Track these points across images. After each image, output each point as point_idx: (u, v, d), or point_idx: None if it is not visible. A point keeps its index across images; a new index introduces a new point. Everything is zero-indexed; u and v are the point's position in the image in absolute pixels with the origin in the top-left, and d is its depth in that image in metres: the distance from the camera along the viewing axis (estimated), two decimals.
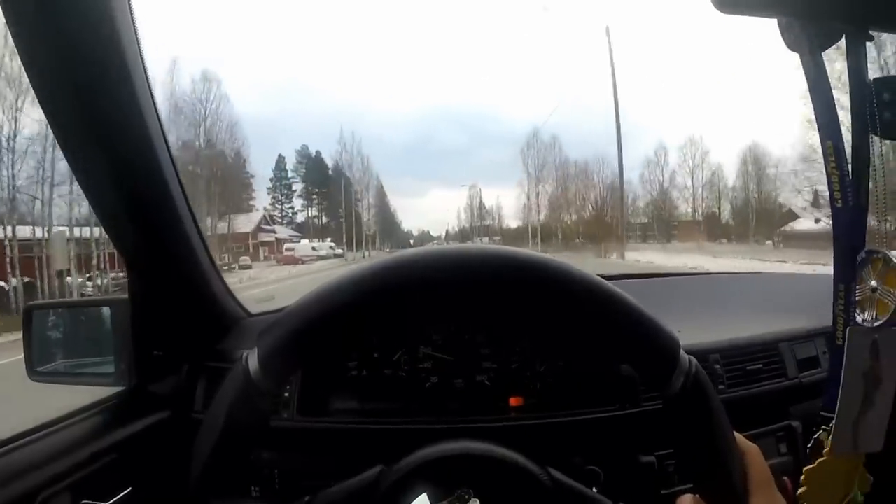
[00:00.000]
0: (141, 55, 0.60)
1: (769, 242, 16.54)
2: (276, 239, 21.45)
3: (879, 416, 0.54)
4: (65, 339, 0.77)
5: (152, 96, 0.63)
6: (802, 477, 0.53)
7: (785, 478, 0.63)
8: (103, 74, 0.56)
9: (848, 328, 0.55)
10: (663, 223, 20.62)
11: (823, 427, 0.55)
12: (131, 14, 0.58)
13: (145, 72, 0.61)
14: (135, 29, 0.59)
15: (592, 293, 0.33)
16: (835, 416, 0.53)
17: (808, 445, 0.56)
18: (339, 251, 20.72)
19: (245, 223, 18.74)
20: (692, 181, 19.84)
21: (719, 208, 19.82)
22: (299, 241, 22.17)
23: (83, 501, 0.58)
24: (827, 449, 0.54)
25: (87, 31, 0.53)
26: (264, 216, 21.69)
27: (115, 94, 0.58)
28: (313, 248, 20.60)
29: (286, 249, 20.22)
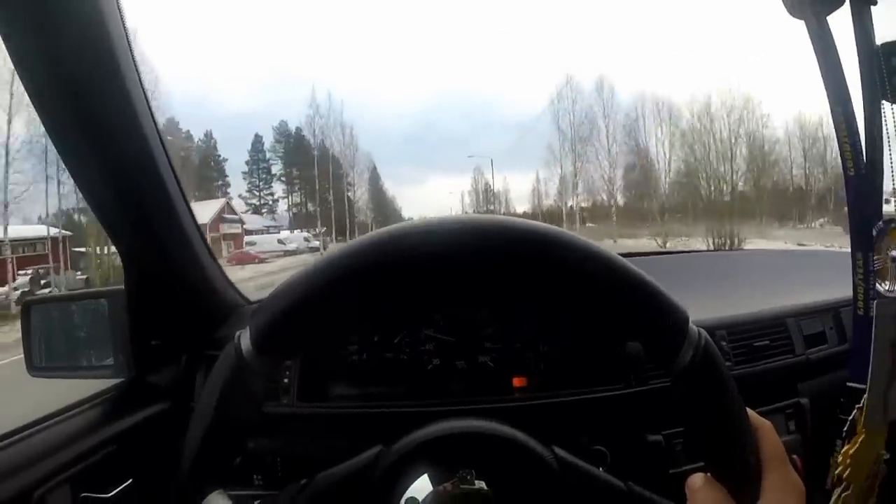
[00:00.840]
0: (131, 48, 0.60)
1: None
2: (245, 230, 18.83)
3: None
4: (63, 333, 0.76)
5: (143, 89, 0.63)
6: (844, 459, 0.53)
7: (794, 456, 0.62)
8: (94, 67, 0.56)
9: (875, 302, 0.54)
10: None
11: (856, 406, 0.55)
12: (120, 11, 0.58)
13: (136, 64, 0.61)
14: (123, 23, 0.59)
15: (602, 265, 0.31)
16: (867, 388, 0.53)
17: (844, 428, 0.56)
18: (316, 244, 17.27)
19: (204, 213, 15.78)
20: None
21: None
22: (278, 232, 19.56)
23: (83, 494, 0.58)
24: (861, 426, 0.54)
25: (76, 23, 0.53)
26: (226, 204, 19.14)
27: (106, 87, 0.58)
28: (280, 242, 17.20)
29: (246, 244, 17.34)
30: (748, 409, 0.34)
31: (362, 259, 0.30)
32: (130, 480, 0.63)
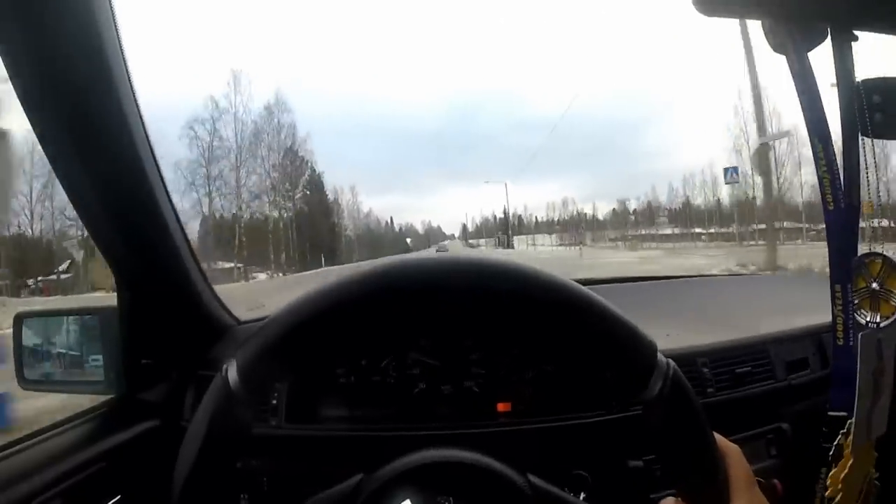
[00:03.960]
0: (125, 63, 0.60)
1: None
2: None
3: (884, 404, 0.57)
4: (54, 347, 0.77)
5: (138, 106, 0.63)
6: (834, 483, 0.55)
7: (775, 480, 0.63)
8: (87, 86, 0.57)
9: (861, 334, 0.55)
10: None
11: (840, 432, 0.56)
12: (114, 20, 0.58)
13: (130, 80, 0.61)
14: (118, 37, 0.59)
15: (566, 299, 0.33)
16: (854, 414, 0.55)
17: (830, 453, 0.58)
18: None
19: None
20: None
21: None
22: None
23: None
24: (848, 450, 0.55)
25: (69, 36, 0.53)
26: None
27: (99, 105, 0.58)
28: None
29: None
30: (717, 435, 0.35)
31: (351, 293, 0.32)
32: (118, 497, 0.63)
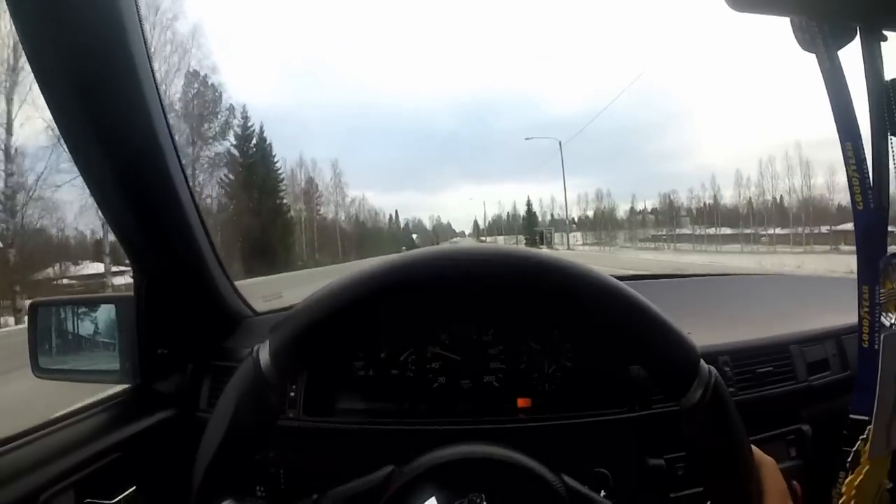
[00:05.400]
0: (147, 52, 0.60)
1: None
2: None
3: None
4: (69, 336, 0.76)
5: (159, 94, 0.63)
6: (848, 490, 0.54)
7: (794, 482, 0.62)
8: (109, 71, 0.57)
9: (884, 335, 0.55)
10: None
11: (860, 437, 0.56)
12: (138, 12, 0.58)
13: (151, 69, 0.61)
14: (141, 27, 0.59)
15: (614, 299, 0.32)
16: (872, 419, 0.54)
17: (849, 458, 0.57)
18: None
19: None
20: None
21: None
22: None
23: (87, 500, 0.58)
24: (865, 457, 0.55)
25: (92, 28, 0.54)
26: None
27: (120, 92, 0.58)
28: None
29: None
30: (753, 446, 0.35)
31: (377, 283, 0.32)
32: (134, 487, 0.63)
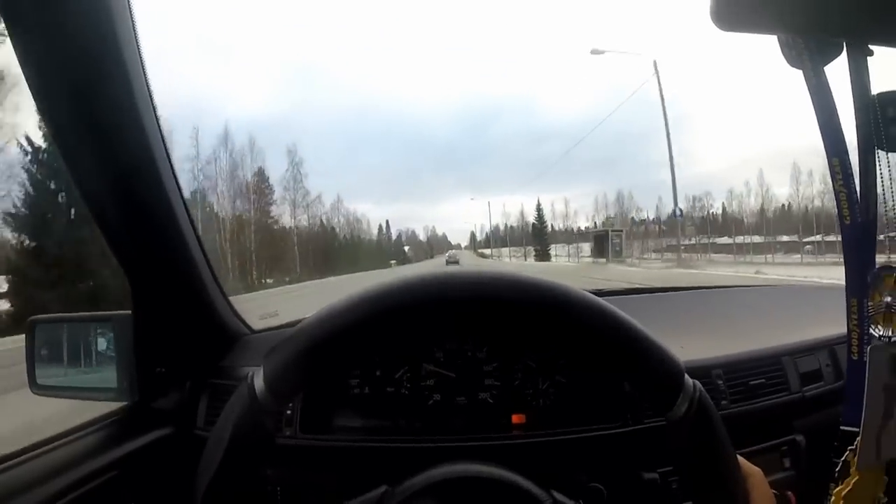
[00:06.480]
0: (141, 59, 0.60)
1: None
2: None
3: None
4: (67, 353, 0.77)
5: (155, 113, 0.63)
6: (836, 501, 0.55)
7: (789, 493, 0.63)
8: (104, 93, 0.57)
9: (869, 347, 0.55)
10: None
11: (849, 448, 0.56)
12: (130, 13, 0.57)
13: (149, 90, 0.61)
14: (134, 31, 0.58)
15: (595, 317, 0.33)
16: (860, 430, 0.54)
17: (837, 469, 0.57)
18: None
19: None
20: None
21: None
22: None
23: None
24: (854, 468, 0.55)
25: (85, 31, 0.53)
26: None
27: (116, 112, 0.58)
28: None
29: None
30: (740, 458, 0.36)
31: (370, 308, 0.32)
32: None
